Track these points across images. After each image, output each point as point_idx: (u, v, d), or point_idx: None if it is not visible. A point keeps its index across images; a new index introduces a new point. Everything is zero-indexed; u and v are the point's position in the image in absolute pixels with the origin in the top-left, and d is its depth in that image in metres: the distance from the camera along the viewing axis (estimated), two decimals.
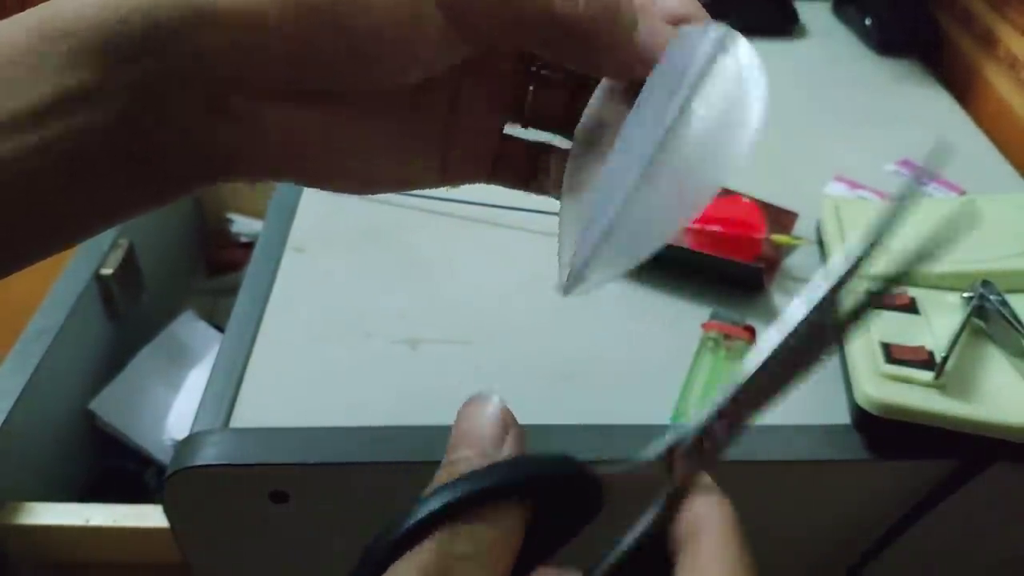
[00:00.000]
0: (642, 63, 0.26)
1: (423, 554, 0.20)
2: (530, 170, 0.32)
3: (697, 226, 0.57)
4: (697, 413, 0.23)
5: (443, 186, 0.31)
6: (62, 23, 0.22)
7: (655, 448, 0.23)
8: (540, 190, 0.32)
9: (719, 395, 0.22)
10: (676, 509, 0.23)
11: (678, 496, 0.23)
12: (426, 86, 0.27)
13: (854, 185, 0.68)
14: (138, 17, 0.22)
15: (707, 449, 0.23)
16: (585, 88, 0.30)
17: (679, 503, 0.23)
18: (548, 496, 0.23)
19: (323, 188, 0.29)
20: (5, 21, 0.22)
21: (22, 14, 0.23)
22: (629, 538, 0.24)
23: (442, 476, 0.23)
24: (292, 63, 0.24)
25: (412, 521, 0.20)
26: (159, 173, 0.25)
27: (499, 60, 0.30)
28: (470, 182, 0.32)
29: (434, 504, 0.21)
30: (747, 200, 0.60)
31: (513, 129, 0.33)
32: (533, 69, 0.31)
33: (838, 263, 0.21)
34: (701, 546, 0.22)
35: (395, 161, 0.29)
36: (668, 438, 0.23)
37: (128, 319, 0.83)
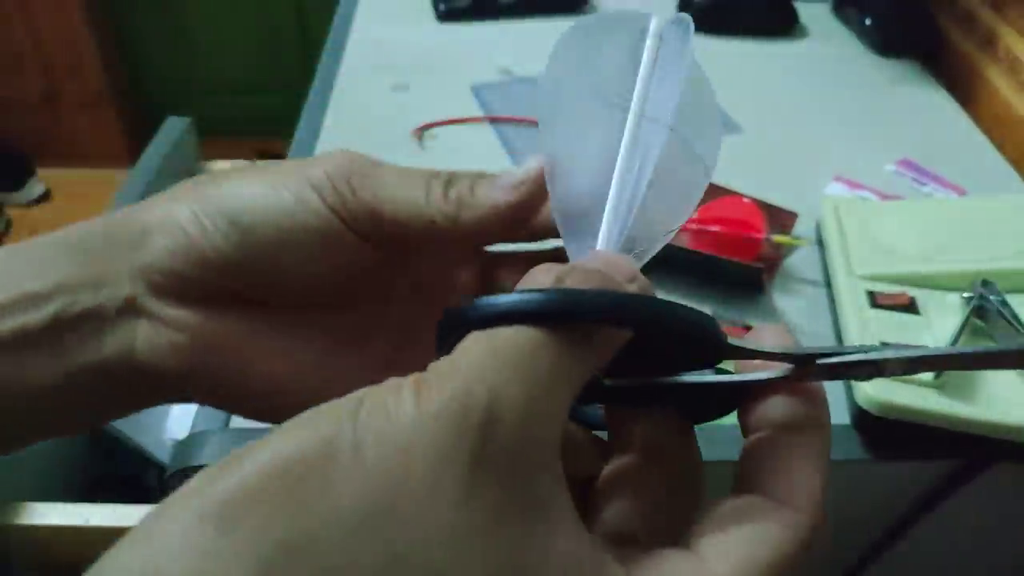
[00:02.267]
0: (514, 208, 0.27)
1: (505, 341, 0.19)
2: None
3: (697, 226, 0.57)
4: (880, 347, 0.22)
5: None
6: (47, 238, 0.26)
7: (806, 349, 0.21)
8: None
9: (914, 351, 0.21)
10: (783, 393, 0.21)
11: (790, 387, 0.21)
12: (370, 320, 0.29)
13: (854, 185, 0.68)
14: (104, 230, 0.26)
15: (848, 373, 0.21)
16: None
17: (786, 392, 0.21)
18: (663, 341, 0.20)
19: (236, 412, 0.30)
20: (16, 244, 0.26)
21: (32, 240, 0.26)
22: (708, 375, 0.22)
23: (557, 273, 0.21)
24: (203, 265, 0.26)
25: (513, 303, 0.19)
26: (84, 383, 0.26)
27: (451, 301, 0.30)
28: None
29: (543, 297, 0.19)
30: (747, 200, 0.60)
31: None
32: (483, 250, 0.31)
33: None
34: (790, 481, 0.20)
35: (317, 387, 0.28)
36: (832, 348, 0.22)
37: None
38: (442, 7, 0.93)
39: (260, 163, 0.29)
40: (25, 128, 1.94)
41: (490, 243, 0.30)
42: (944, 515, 0.47)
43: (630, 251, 0.25)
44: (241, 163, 0.31)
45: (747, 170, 0.69)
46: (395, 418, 0.17)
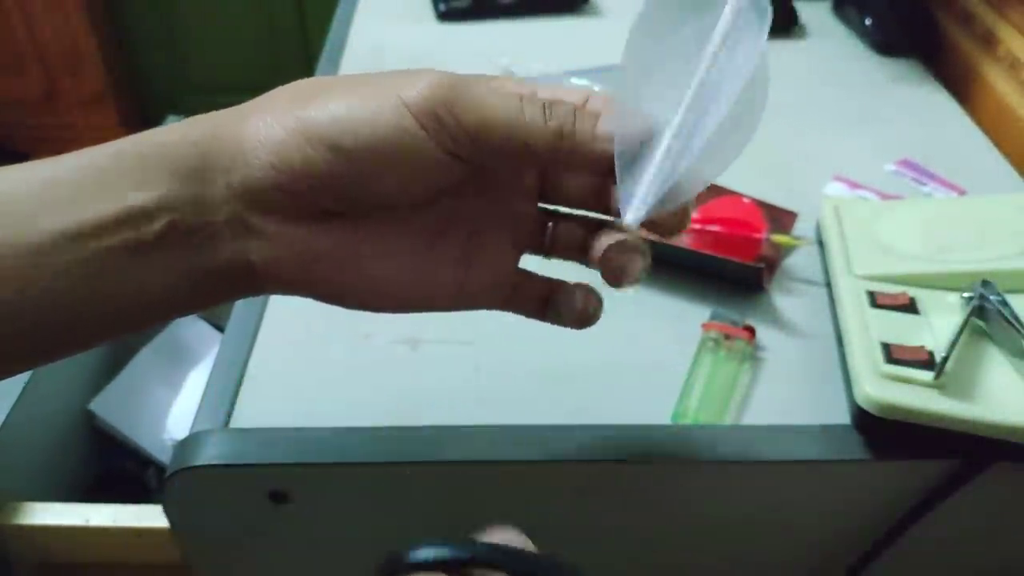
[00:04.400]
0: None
1: None
2: (543, 302, 0.35)
3: (697, 226, 0.57)
4: None
5: (457, 309, 0.33)
6: (141, 148, 0.27)
7: None
8: (554, 321, 0.35)
9: None
10: None
11: None
12: (444, 216, 0.31)
13: (854, 185, 0.68)
14: (199, 149, 0.27)
15: None
16: (602, 226, 0.33)
17: None
18: None
19: (340, 305, 0.31)
20: (98, 147, 0.27)
21: (114, 142, 0.28)
22: None
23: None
24: (305, 187, 0.27)
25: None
26: (199, 283, 0.28)
27: (515, 200, 0.33)
28: (485, 308, 0.34)
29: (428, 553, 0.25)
30: (747, 200, 0.60)
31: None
32: (551, 209, 0.34)
33: None
34: None
35: (410, 284, 0.31)
36: None
37: None
38: (442, 7, 0.93)
39: (351, 77, 0.30)
40: (25, 127, 1.93)
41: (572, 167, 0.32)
42: (944, 515, 0.47)
43: (663, 198, 0.28)
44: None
45: (747, 170, 0.68)
46: None
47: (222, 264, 0.28)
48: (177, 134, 0.27)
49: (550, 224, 0.35)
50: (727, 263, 0.55)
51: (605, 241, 0.32)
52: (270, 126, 0.27)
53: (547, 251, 0.35)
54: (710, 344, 0.51)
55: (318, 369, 0.51)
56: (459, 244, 0.32)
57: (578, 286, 0.34)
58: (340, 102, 0.28)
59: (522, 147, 0.28)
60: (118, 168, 0.26)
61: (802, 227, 0.61)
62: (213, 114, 0.28)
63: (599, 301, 0.34)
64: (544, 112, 0.28)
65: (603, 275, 0.32)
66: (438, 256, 0.31)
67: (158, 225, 0.26)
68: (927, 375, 0.44)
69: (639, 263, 0.31)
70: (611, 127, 0.28)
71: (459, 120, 0.28)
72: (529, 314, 0.35)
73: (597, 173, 0.30)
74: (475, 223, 0.32)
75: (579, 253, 0.34)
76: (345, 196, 0.28)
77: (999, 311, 0.47)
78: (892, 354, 0.46)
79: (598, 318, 0.35)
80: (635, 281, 0.31)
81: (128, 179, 0.26)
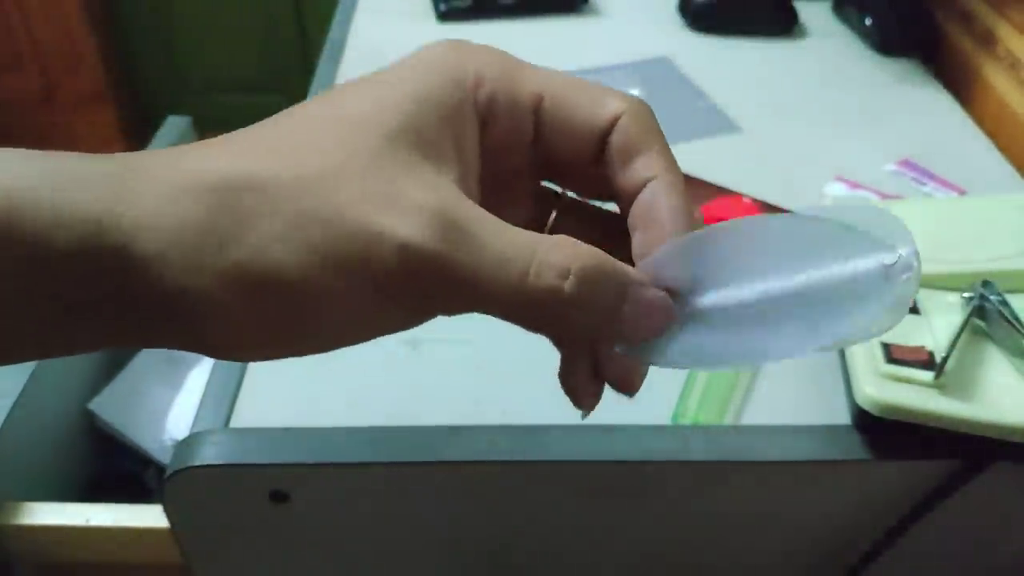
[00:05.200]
0: (627, 333, 0.24)
1: None
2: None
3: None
4: None
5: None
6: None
7: None
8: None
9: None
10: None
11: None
12: None
13: (854, 185, 0.68)
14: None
15: None
16: (613, 220, 0.28)
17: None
18: None
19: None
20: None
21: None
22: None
23: None
24: (238, 331, 0.22)
25: None
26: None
27: (520, 181, 0.28)
28: None
29: None
30: (747, 200, 0.60)
31: None
32: (559, 193, 0.29)
33: None
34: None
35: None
36: None
37: None
38: (442, 7, 0.93)
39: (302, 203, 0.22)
40: (23, 127, 1.93)
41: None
42: (944, 515, 0.47)
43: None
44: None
45: (747, 170, 0.69)
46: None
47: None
48: (179, 187, 0.21)
49: (554, 213, 0.29)
50: None
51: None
52: (207, 289, 0.21)
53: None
54: None
55: (318, 369, 0.51)
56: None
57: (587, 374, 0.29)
58: (285, 263, 0.21)
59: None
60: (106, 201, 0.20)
61: None
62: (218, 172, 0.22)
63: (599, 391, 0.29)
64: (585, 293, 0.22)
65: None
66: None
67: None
68: (927, 375, 0.44)
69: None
70: (635, 323, 0.23)
71: (442, 303, 0.23)
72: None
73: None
74: (483, 177, 0.27)
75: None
76: (278, 345, 0.24)
77: (999, 311, 0.47)
78: (892, 354, 0.46)
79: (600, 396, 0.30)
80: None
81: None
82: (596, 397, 0.27)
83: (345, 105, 0.24)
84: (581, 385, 0.27)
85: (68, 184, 0.20)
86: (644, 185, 0.25)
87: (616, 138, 0.26)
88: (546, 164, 0.27)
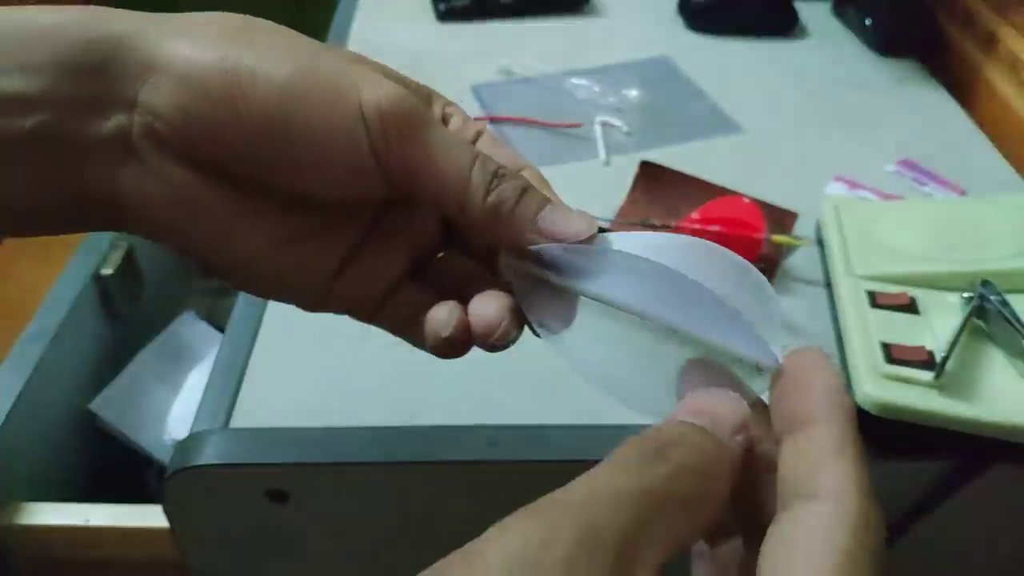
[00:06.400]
0: (545, 239, 0.27)
1: None
2: (414, 318, 0.30)
3: (697, 226, 0.57)
4: None
5: (315, 310, 0.29)
6: (25, 27, 0.23)
7: None
8: (414, 342, 0.30)
9: None
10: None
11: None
12: (344, 211, 0.28)
13: (854, 185, 0.68)
14: (99, 50, 0.23)
15: None
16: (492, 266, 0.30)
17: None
18: None
19: (204, 267, 0.28)
20: None
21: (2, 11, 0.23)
22: None
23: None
24: (213, 143, 0.24)
25: None
26: (60, 201, 0.24)
27: (425, 217, 0.30)
28: (345, 314, 0.30)
29: None
30: (747, 200, 0.59)
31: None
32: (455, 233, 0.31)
33: None
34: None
35: (279, 271, 0.27)
36: None
37: (128, 319, 0.83)
38: (442, 7, 0.93)
39: (294, 36, 0.26)
40: None
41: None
42: (944, 515, 0.47)
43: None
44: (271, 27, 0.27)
45: (747, 170, 0.69)
46: (476, 568, 0.17)
47: (91, 186, 0.24)
48: (74, 26, 0.23)
49: (441, 254, 0.31)
50: None
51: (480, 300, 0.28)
52: (196, 62, 0.23)
53: (428, 274, 0.31)
54: None
55: (318, 369, 0.51)
56: (347, 247, 0.28)
57: (453, 304, 0.29)
58: (286, 67, 0.24)
59: (456, 210, 0.26)
60: (9, 41, 0.22)
61: (802, 227, 0.61)
62: (121, 13, 0.24)
63: (465, 327, 0.28)
64: (490, 183, 0.26)
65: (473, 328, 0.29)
66: (320, 250, 0.28)
67: (31, 121, 0.22)
68: (927, 375, 0.44)
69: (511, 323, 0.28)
70: (553, 223, 0.26)
71: (407, 157, 0.25)
72: (391, 329, 0.31)
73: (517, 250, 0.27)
74: (367, 235, 0.29)
75: (456, 289, 0.30)
76: (252, 166, 0.25)
77: (999, 311, 0.47)
78: (892, 354, 0.46)
79: (466, 347, 0.29)
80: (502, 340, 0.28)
81: (15, 58, 0.22)
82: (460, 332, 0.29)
83: (339, 48, 0.29)
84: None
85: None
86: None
87: (526, 175, 0.29)
88: None
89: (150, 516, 0.60)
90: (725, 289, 0.26)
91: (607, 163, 0.71)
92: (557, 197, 0.29)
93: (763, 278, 0.26)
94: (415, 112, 0.25)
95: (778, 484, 0.21)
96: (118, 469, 0.78)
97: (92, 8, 0.24)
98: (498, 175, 0.26)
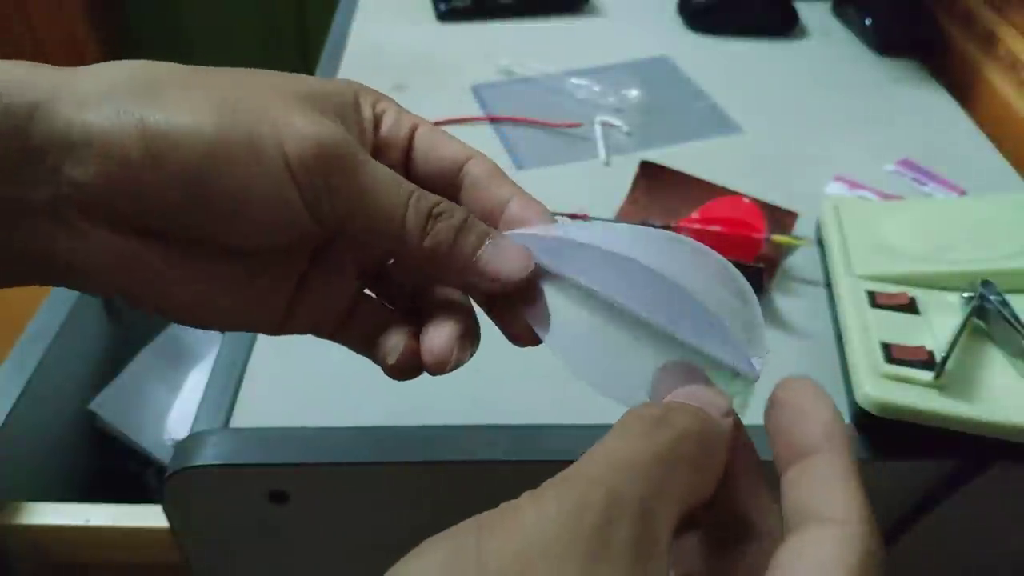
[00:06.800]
0: (485, 280, 0.27)
1: None
2: (372, 338, 0.30)
3: (698, 226, 0.57)
4: None
5: (280, 334, 0.30)
6: None
7: None
8: (375, 359, 0.31)
9: None
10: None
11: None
12: (284, 251, 0.28)
13: (854, 185, 0.68)
14: (17, 115, 0.23)
15: None
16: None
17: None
18: None
19: (156, 314, 0.28)
20: None
21: None
22: None
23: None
24: (146, 209, 0.24)
25: None
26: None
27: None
28: (309, 333, 0.31)
29: None
30: (747, 200, 0.59)
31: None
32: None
33: None
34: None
35: (232, 310, 0.28)
36: None
37: (128, 319, 0.83)
38: (442, 7, 0.93)
39: (208, 77, 0.26)
40: None
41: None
42: (944, 515, 0.47)
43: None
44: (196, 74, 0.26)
45: (747, 170, 0.69)
46: (513, 527, 0.19)
47: (29, 248, 0.24)
48: (8, 91, 0.22)
49: (391, 261, 0.31)
50: None
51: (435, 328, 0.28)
52: (114, 132, 0.23)
53: (382, 288, 0.32)
54: None
55: (318, 369, 0.51)
56: (294, 277, 0.28)
57: (405, 328, 0.29)
58: (204, 124, 0.23)
59: (394, 252, 0.27)
60: None
61: (802, 227, 0.61)
62: (28, 73, 0.23)
63: (413, 353, 0.29)
64: (425, 225, 0.26)
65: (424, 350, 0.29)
66: (269, 287, 0.28)
67: None
68: (927, 375, 0.44)
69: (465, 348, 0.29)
70: (501, 263, 0.26)
71: (338, 206, 0.25)
72: (354, 347, 0.31)
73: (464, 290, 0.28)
74: (317, 253, 0.29)
75: (407, 303, 0.31)
76: (179, 226, 0.25)
77: (999, 311, 0.47)
78: (892, 354, 0.46)
79: (417, 371, 0.29)
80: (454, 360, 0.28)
81: None
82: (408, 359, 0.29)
83: (256, 73, 0.27)
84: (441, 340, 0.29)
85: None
86: (506, 204, 0.29)
87: (473, 166, 0.29)
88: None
89: (150, 516, 0.60)
90: (711, 290, 0.26)
91: (607, 163, 0.71)
92: (514, 187, 0.29)
93: (747, 284, 0.26)
94: (342, 156, 0.25)
95: (784, 510, 0.22)
96: (118, 469, 0.78)
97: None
98: (433, 215, 0.26)
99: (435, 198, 0.27)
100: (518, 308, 0.28)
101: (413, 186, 0.26)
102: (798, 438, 0.22)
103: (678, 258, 0.26)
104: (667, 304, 0.26)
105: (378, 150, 0.29)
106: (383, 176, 0.26)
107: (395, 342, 0.29)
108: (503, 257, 0.27)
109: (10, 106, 0.22)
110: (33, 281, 0.26)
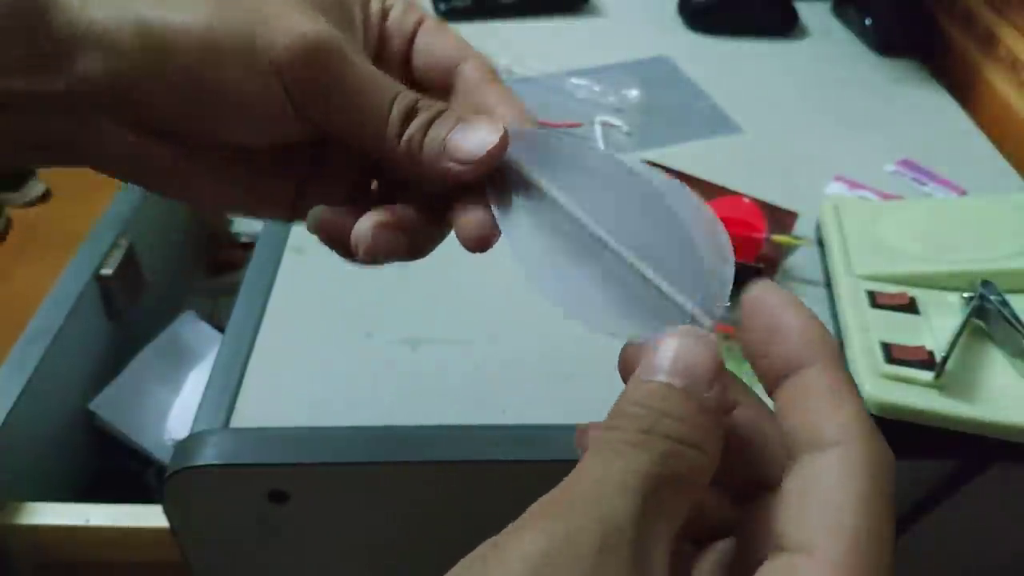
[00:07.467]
0: (457, 164, 0.26)
1: None
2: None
3: None
4: None
5: (291, 222, 0.30)
6: None
7: None
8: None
9: None
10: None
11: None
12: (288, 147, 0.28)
13: (854, 185, 0.68)
14: (27, 13, 0.23)
15: None
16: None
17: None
18: None
19: (171, 198, 0.29)
20: None
21: None
22: None
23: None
24: (149, 105, 0.25)
25: None
26: (27, 146, 0.25)
27: None
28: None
29: None
30: (747, 200, 0.59)
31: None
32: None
33: None
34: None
35: (245, 201, 0.29)
36: None
37: (128, 319, 0.83)
38: (442, 7, 0.93)
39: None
40: None
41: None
42: (944, 515, 0.47)
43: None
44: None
45: (747, 170, 0.69)
46: (505, 567, 0.17)
47: (53, 137, 0.25)
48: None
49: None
50: None
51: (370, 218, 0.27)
52: (115, 28, 0.24)
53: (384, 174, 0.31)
54: None
55: (318, 369, 0.51)
56: (300, 174, 0.29)
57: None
58: (200, 18, 0.24)
59: (377, 153, 0.26)
60: None
61: (802, 227, 0.61)
62: None
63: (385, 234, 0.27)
64: (405, 116, 0.26)
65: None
66: (276, 185, 0.28)
67: None
68: (927, 375, 0.44)
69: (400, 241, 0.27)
70: (468, 141, 0.25)
71: (323, 105, 0.25)
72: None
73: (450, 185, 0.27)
74: (323, 149, 0.29)
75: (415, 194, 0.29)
76: (179, 124, 0.26)
77: (999, 311, 0.47)
78: (892, 354, 0.46)
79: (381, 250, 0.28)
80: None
81: None
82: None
83: None
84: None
85: None
86: (491, 111, 0.28)
87: (467, 68, 0.29)
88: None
89: (150, 516, 0.60)
90: (699, 236, 0.25)
91: None
92: (503, 94, 0.28)
93: (727, 238, 0.25)
94: (330, 54, 0.25)
95: (784, 435, 0.21)
96: (118, 469, 0.78)
97: None
98: (413, 111, 0.26)
99: (414, 96, 0.26)
100: (482, 198, 0.27)
101: (400, 86, 0.26)
102: (776, 360, 0.21)
103: (672, 197, 0.26)
104: (651, 229, 0.25)
105: (382, 43, 0.29)
106: (369, 75, 0.26)
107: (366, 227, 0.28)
108: (466, 134, 0.26)
109: (19, 5, 0.23)
110: (63, 164, 0.27)
